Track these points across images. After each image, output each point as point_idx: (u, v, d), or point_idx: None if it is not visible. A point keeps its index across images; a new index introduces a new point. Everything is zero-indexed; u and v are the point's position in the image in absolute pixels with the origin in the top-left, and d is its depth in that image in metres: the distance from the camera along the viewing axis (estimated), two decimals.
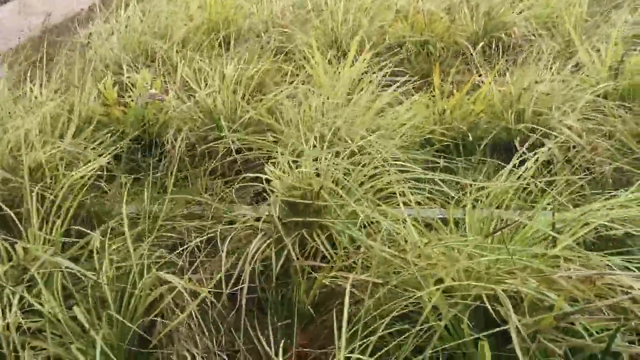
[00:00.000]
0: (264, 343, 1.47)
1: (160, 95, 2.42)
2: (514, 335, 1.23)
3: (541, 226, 1.55)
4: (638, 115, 2.56)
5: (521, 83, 2.61)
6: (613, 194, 2.09)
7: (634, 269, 1.49)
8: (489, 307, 1.32)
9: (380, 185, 1.97)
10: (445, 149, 2.50)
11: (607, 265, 1.45)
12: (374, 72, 2.93)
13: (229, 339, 1.56)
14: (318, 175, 1.79)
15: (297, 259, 1.59)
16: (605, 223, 1.56)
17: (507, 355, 1.31)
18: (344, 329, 1.17)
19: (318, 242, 1.67)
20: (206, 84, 2.65)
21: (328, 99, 2.40)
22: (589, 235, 1.60)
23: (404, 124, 2.33)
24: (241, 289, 1.57)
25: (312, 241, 1.69)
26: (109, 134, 2.48)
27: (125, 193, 2.01)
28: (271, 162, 1.94)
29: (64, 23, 4.31)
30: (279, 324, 1.49)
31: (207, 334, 1.50)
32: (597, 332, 1.26)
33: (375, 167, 2.03)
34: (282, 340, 1.39)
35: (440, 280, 1.41)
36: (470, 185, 1.95)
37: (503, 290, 1.33)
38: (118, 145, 2.18)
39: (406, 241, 1.57)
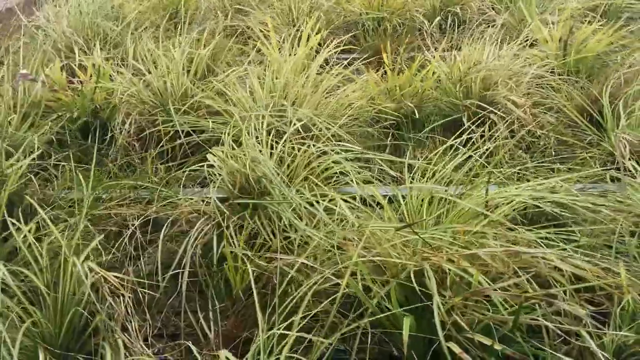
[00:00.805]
0: (204, 325, 1.50)
1: (30, 75, 2.41)
2: (435, 310, 1.28)
3: (472, 205, 1.59)
4: (583, 89, 2.61)
5: (470, 59, 2.64)
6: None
7: (557, 242, 1.55)
8: (415, 284, 1.36)
9: (326, 165, 1.99)
10: (396, 126, 2.53)
11: (535, 240, 1.51)
12: (328, 50, 2.93)
13: (170, 322, 1.59)
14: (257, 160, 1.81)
15: (233, 242, 1.61)
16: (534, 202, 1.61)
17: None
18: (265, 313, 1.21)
19: (258, 225, 1.70)
20: (156, 67, 2.62)
21: (277, 79, 2.40)
22: (522, 211, 1.66)
23: (352, 103, 2.34)
24: (182, 273, 1.60)
25: (253, 224, 1.71)
26: (58, 119, 2.46)
27: (68, 180, 2.02)
28: (214, 148, 1.95)
29: (19, 5, 4.19)
30: (216, 307, 1.52)
31: (148, 318, 1.52)
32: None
33: (321, 147, 2.06)
34: (219, 323, 1.43)
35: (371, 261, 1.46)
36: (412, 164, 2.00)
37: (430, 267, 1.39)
38: (59, 130, 2.15)
39: (341, 221, 1.61)
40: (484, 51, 2.68)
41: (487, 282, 1.32)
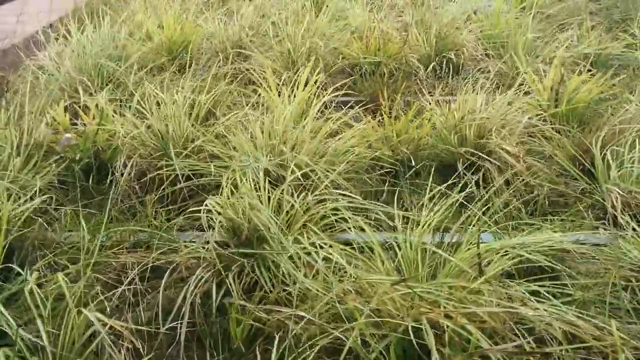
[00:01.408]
0: None
1: (73, 140, 2.47)
2: None
3: (467, 256, 1.63)
4: (574, 138, 2.68)
5: (464, 107, 2.71)
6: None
7: (549, 297, 1.58)
8: (413, 339, 1.39)
9: (324, 212, 2.03)
10: (393, 172, 2.58)
11: (527, 295, 1.54)
12: (327, 94, 3.00)
13: None
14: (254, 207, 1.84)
15: (233, 292, 1.63)
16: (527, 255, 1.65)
17: None
18: None
19: (258, 274, 1.72)
20: (159, 109, 2.68)
21: (274, 126, 2.46)
22: (513, 264, 1.69)
23: (350, 150, 2.39)
24: (181, 323, 1.61)
25: (252, 273, 1.74)
26: (60, 161, 2.50)
27: (70, 222, 2.04)
28: (212, 195, 1.98)
29: (24, 43, 4.27)
30: (216, 358, 1.53)
31: None
32: None
33: (320, 195, 2.10)
34: None
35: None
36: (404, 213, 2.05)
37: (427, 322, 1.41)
38: (61, 172, 2.19)
39: (340, 270, 1.63)
40: (477, 99, 2.75)
41: (484, 339, 1.35)
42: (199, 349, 1.64)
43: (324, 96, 2.94)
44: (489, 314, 1.39)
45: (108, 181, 2.43)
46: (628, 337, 1.51)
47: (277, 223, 1.78)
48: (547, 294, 1.67)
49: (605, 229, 2.12)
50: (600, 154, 2.41)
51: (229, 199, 1.87)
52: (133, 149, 2.50)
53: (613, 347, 1.40)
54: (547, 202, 2.39)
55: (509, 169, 2.43)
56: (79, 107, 2.85)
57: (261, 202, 1.95)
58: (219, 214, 1.92)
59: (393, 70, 3.54)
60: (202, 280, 1.73)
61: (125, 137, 2.51)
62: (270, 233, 1.72)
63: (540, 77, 3.12)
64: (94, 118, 2.69)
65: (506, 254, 1.70)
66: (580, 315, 1.48)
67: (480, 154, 2.48)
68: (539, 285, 1.68)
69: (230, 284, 1.68)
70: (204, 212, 1.93)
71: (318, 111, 2.87)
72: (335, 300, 1.41)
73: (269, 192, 2.02)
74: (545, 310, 1.48)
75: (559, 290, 1.71)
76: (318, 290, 1.48)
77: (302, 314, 1.40)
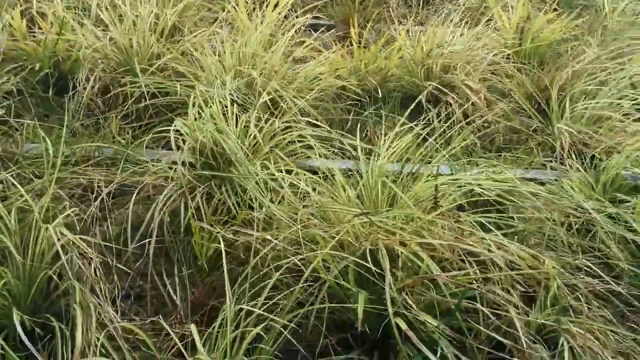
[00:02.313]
0: (170, 289, 1.60)
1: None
2: (387, 288, 1.42)
3: (424, 189, 1.73)
4: (534, 77, 2.77)
5: (433, 40, 2.74)
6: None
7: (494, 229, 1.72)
8: (371, 265, 1.50)
9: (290, 139, 2.08)
10: (359, 102, 2.62)
11: (477, 227, 1.67)
12: (298, 17, 2.95)
13: (136, 284, 1.67)
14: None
15: (200, 213, 1.69)
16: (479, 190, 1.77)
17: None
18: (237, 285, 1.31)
19: (225, 196, 1.78)
20: (122, 21, 2.58)
21: (246, 45, 2.42)
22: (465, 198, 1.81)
23: (318, 78, 2.41)
24: (149, 241, 1.67)
25: (220, 195, 1.79)
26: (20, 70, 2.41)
27: (32, 134, 2.01)
28: (177, 114, 1.98)
29: None
30: (183, 273, 1.61)
31: (117, 281, 1.60)
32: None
33: (287, 121, 2.14)
34: (185, 289, 1.53)
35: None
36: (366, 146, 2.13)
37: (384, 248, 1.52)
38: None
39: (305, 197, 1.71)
40: (446, 32, 2.77)
41: (434, 265, 1.47)
42: (166, 263, 1.71)
43: (293, 18, 2.90)
44: (440, 243, 1.51)
45: (70, 94, 2.37)
46: (560, 267, 1.69)
47: (242, 148, 1.81)
48: (493, 226, 1.82)
49: (552, 168, 2.27)
50: (556, 94, 2.52)
51: (196, 120, 1.88)
52: (95, 62, 2.43)
53: (547, 276, 1.57)
54: (502, 139, 2.51)
55: (470, 105, 2.51)
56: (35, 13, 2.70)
57: (229, 126, 1.97)
58: (187, 135, 1.93)
59: None
60: (170, 199, 1.78)
61: (87, 49, 2.43)
62: (237, 157, 1.76)
63: (508, 14, 3.15)
64: (52, 26, 2.57)
65: (460, 188, 1.81)
66: (520, 246, 1.64)
67: (443, 89, 2.54)
68: (487, 218, 1.82)
69: (198, 205, 1.73)
70: (172, 133, 1.94)
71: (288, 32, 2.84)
72: (299, 226, 1.49)
73: (237, 117, 2.04)
74: (490, 240, 1.62)
75: (505, 222, 1.86)
76: (282, 216, 1.56)
77: (269, 237, 1.48)
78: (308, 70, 2.43)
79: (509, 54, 2.95)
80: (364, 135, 2.45)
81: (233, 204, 1.76)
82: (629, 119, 2.39)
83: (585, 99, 2.45)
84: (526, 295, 1.66)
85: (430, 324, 1.34)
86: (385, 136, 2.16)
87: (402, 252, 1.49)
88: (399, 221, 1.63)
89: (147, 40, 2.49)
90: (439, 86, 2.55)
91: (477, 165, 2.23)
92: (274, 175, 1.76)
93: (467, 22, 3.16)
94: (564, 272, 1.66)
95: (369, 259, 1.51)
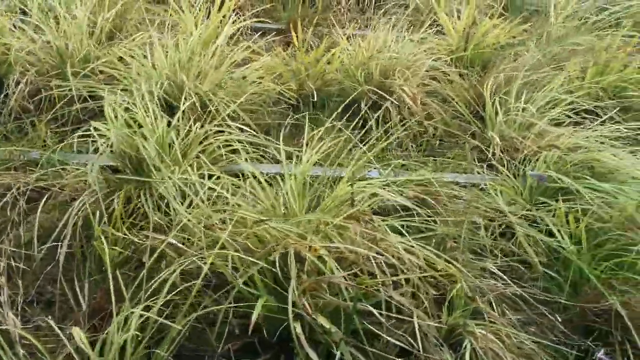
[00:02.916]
0: (78, 294, 1.58)
1: None
2: (290, 292, 1.43)
3: (342, 194, 1.74)
4: (474, 81, 2.80)
5: (374, 45, 2.75)
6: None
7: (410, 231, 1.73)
8: (278, 270, 1.50)
9: (217, 144, 2.07)
10: (297, 106, 2.63)
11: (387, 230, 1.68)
12: (244, 20, 2.96)
13: (47, 290, 1.66)
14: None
15: (114, 217, 1.69)
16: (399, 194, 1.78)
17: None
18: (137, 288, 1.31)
19: (142, 201, 1.78)
20: (58, 24, 2.55)
21: (181, 50, 2.42)
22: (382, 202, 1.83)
23: (256, 82, 2.41)
24: (61, 243, 1.65)
25: (137, 200, 1.79)
26: None
27: None
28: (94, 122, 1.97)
29: None
30: (91, 278, 1.60)
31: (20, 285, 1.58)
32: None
33: (217, 126, 2.13)
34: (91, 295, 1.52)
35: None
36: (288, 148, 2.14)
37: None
38: None
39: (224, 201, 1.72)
40: (388, 38, 2.79)
41: (337, 268, 1.48)
42: (78, 270, 1.70)
43: (240, 21, 2.90)
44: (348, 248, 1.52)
45: (1, 97, 2.34)
46: (466, 271, 1.71)
47: (159, 152, 1.81)
48: (414, 230, 1.84)
49: (479, 172, 2.29)
50: (492, 99, 2.56)
51: (112, 123, 1.87)
52: (27, 66, 2.40)
53: (453, 278, 1.59)
54: (437, 143, 2.53)
55: (406, 109, 2.53)
56: None
57: (154, 130, 1.96)
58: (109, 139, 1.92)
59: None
60: (87, 203, 1.77)
61: (19, 52, 2.40)
62: (152, 161, 1.76)
63: (454, 19, 3.19)
64: None
65: (375, 194, 1.83)
66: (433, 250, 1.65)
67: (383, 93, 2.56)
68: (406, 222, 1.84)
69: (106, 211, 1.72)
70: (91, 137, 1.93)
71: (231, 37, 2.85)
72: (202, 229, 1.49)
73: (156, 120, 2.03)
74: (403, 243, 1.63)
75: (426, 226, 1.88)
76: (190, 220, 1.56)
77: (172, 240, 1.48)
78: (242, 74, 2.42)
79: (451, 59, 2.99)
80: (300, 139, 2.46)
81: (149, 209, 1.75)
82: (561, 123, 2.44)
83: (518, 104, 2.48)
84: (441, 299, 1.68)
85: (325, 327, 1.35)
86: (320, 141, 2.17)
87: (308, 256, 1.49)
88: (312, 225, 1.64)
89: (83, 44, 2.47)
90: (378, 91, 2.57)
91: (410, 169, 2.25)
92: (186, 179, 1.75)
93: (413, 27, 3.19)
94: (471, 275, 1.68)
95: (278, 263, 1.52)
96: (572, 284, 1.76)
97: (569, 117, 2.45)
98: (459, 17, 3.20)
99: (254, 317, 1.34)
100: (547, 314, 1.71)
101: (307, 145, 2.08)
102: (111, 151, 1.91)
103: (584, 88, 2.62)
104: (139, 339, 1.33)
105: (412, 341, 1.46)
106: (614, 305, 1.55)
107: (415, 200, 1.94)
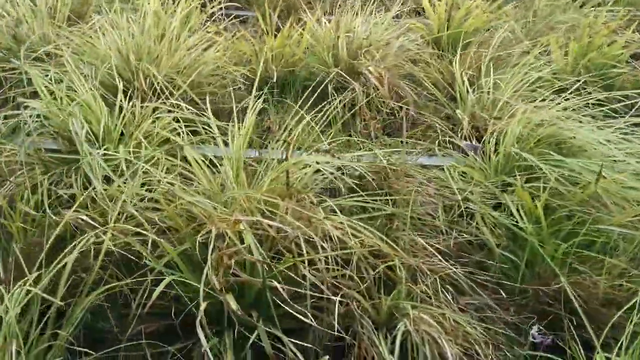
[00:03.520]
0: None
1: None
2: (206, 269, 1.33)
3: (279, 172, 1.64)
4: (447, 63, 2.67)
5: (344, 26, 2.65)
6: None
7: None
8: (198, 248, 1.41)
9: (162, 125, 1.99)
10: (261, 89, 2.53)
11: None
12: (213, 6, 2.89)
13: None
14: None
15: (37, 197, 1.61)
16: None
17: None
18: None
19: (72, 180, 1.70)
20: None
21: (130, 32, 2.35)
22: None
23: (208, 62, 2.33)
24: None
25: (67, 179, 1.71)
26: None
27: None
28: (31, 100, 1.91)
29: None
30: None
31: None
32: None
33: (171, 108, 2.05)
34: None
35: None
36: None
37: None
38: None
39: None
40: (358, 19, 2.68)
41: (258, 246, 1.38)
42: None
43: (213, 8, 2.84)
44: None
45: None
46: (414, 252, 1.59)
47: (88, 132, 1.73)
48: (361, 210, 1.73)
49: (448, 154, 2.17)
50: (462, 79, 2.43)
51: (47, 106, 1.80)
52: None
53: (388, 257, 1.47)
54: (409, 126, 2.41)
55: (375, 92, 2.41)
56: None
57: (93, 111, 1.89)
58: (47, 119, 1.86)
59: None
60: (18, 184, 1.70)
61: None
62: (80, 140, 1.68)
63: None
64: None
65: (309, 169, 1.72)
66: (373, 231, 1.54)
67: (347, 77, 2.45)
68: (355, 202, 1.73)
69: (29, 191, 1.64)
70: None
71: (203, 24, 2.78)
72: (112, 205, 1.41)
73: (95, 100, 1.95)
74: (342, 223, 1.52)
75: (379, 207, 1.76)
76: (105, 198, 1.47)
77: (85, 217, 1.39)
78: (200, 57, 2.34)
79: (429, 41, 2.86)
80: (264, 122, 2.36)
81: (77, 188, 1.67)
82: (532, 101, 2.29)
83: (489, 81, 2.35)
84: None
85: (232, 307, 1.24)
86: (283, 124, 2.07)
87: (227, 233, 1.39)
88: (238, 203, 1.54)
89: (40, 27, 2.42)
90: (344, 74, 2.45)
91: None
92: (114, 157, 1.67)
93: (389, 10, 3.06)
94: (418, 257, 1.56)
95: (197, 242, 1.42)
96: (529, 265, 1.63)
97: (544, 96, 2.30)
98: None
99: (156, 293, 1.25)
100: (500, 298, 1.58)
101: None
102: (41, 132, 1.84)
103: (565, 65, 2.47)
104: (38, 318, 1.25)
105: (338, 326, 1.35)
106: (562, 286, 1.41)
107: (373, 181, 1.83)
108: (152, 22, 2.40)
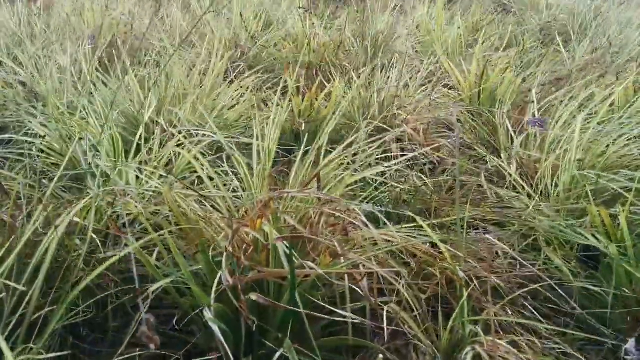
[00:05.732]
0: None
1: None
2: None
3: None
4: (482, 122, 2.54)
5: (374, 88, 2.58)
6: None
7: None
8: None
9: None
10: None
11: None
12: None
13: None
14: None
15: None
16: None
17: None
18: None
19: None
20: None
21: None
22: None
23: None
24: None
25: None
26: None
27: None
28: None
29: None
30: None
31: None
32: None
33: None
34: None
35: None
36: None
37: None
38: None
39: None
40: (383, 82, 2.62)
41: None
42: None
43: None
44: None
45: None
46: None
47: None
48: None
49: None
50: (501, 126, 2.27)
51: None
52: None
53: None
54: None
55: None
56: None
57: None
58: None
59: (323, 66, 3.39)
60: None
61: None
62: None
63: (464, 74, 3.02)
64: None
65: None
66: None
67: (384, 126, 2.31)
68: None
69: None
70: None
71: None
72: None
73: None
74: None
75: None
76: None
77: (76, 218, 1.19)
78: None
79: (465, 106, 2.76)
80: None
81: None
82: None
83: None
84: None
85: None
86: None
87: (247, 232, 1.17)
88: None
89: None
90: (378, 124, 2.31)
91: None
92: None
93: (422, 85, 3.01)
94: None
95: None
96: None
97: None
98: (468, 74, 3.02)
99: (151, 291, 1.00)
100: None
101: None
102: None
103: None
104: None
105: None
106: None
107: None
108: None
